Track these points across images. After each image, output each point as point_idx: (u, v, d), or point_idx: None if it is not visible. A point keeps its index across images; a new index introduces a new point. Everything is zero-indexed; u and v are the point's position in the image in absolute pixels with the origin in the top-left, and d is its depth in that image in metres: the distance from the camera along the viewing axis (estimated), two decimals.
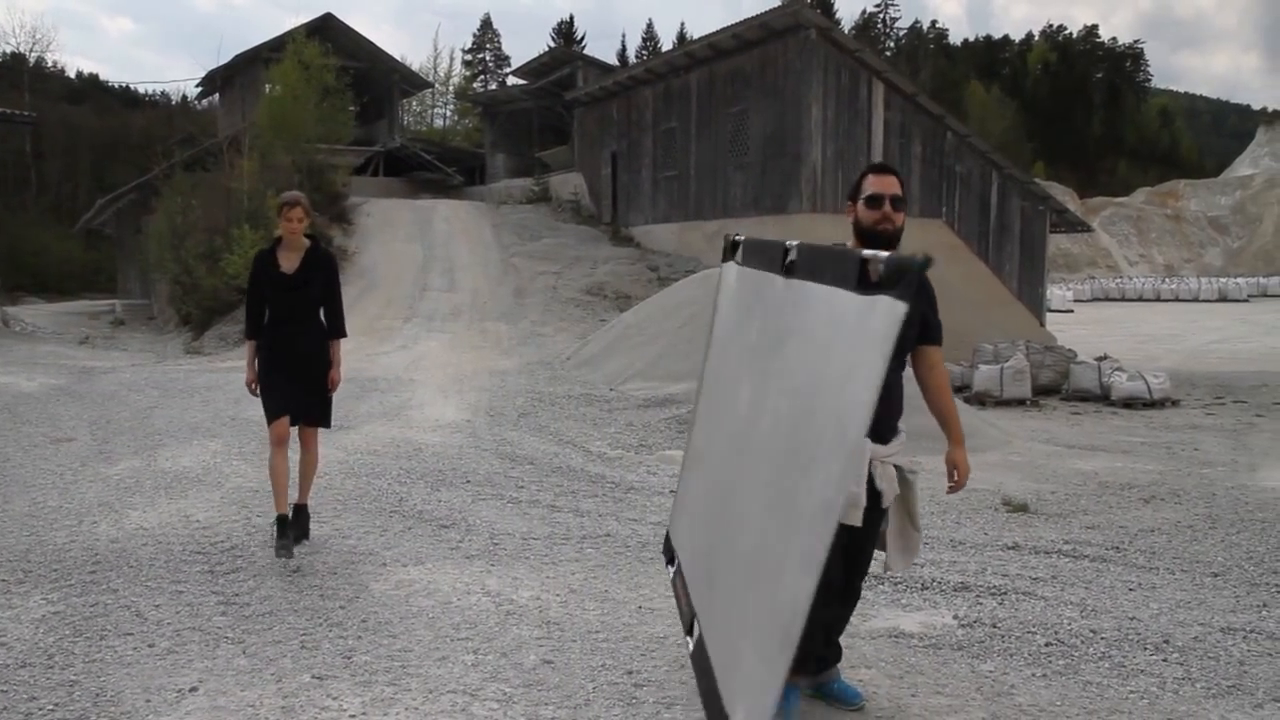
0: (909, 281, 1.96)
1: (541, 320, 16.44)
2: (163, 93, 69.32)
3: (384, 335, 15.29)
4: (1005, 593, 4.51)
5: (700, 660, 2.82)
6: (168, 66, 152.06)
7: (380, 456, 7.41)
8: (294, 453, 5.08)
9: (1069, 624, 4.10)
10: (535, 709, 3.21)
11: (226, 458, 7.31)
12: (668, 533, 3.90)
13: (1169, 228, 57.88)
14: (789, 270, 2.72)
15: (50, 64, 58.89)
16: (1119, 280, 48.29)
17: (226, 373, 11.85)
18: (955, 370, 12.68)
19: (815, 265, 2.53)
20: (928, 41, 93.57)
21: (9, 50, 53.62)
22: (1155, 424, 10.37)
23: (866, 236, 3.07)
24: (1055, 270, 43.14)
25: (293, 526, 4.92)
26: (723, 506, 2.93)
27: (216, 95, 36.78)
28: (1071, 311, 33.21)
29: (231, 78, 32.43)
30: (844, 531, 2.42)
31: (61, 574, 4.58)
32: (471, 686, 3.38)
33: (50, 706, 3.20)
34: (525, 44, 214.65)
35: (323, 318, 5.04)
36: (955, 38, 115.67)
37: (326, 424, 5.13)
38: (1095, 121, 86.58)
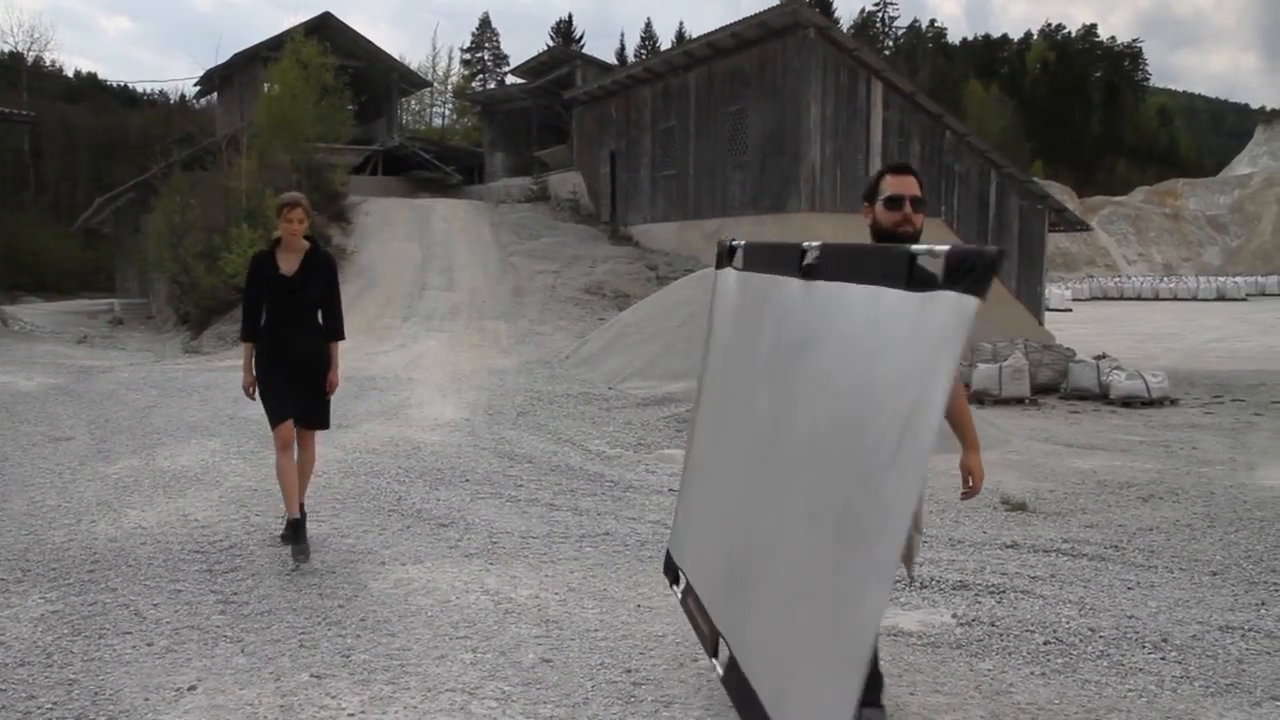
0: (980, 275, 1.86)
1: (540, 319, 16.44)
2: (161, 92, 69.20)
3: (383, 334, 15.29)
4: (1004, 591, 4.52)
5: (737, 685, 2.66)
6: (166, 66, 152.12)
7: (379, 455, 7.41)
8: None
9: (1067, 622, 4.11)
10: (534, 707, 3.21)
11: (225, 457, 7.30)
12: (668, 552, 3.73)
13: (1167, 227, 57.91)
14: (809, 273, 2.61)
15: (48, 63, 58.86)
16: (1117, 279, 48.33)
17: (225, 372, 11.85)
18: None
19: (847, 265, 2.42)
20: (926, 40, 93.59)
21: (7, 49, 53.57)
22: (1154, 423, 10.37)
23: (885, 239, 2.98)
24: (1054, 269, 43.17)
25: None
26: (748, 522, 2.79)
27: (215, 94, 36.77)
28: (1070, 310, 33.23)
29: (230, 77, 32.40)
30: None
31: (60, 573, 4.58)
32: (470, 685, 3.38)
33: (49, 705, 3.19)
34: (524, 43, 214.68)
35: (320, 319, 5.00)
36: (954, 37, 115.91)
37: (325, 425, 5.11)
38: (1094, 120, 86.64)
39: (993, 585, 4.60)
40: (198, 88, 39.59)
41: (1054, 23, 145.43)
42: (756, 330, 3.03)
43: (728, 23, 19.42)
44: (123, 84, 70.77)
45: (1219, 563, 5.08)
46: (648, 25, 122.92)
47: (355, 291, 16.74)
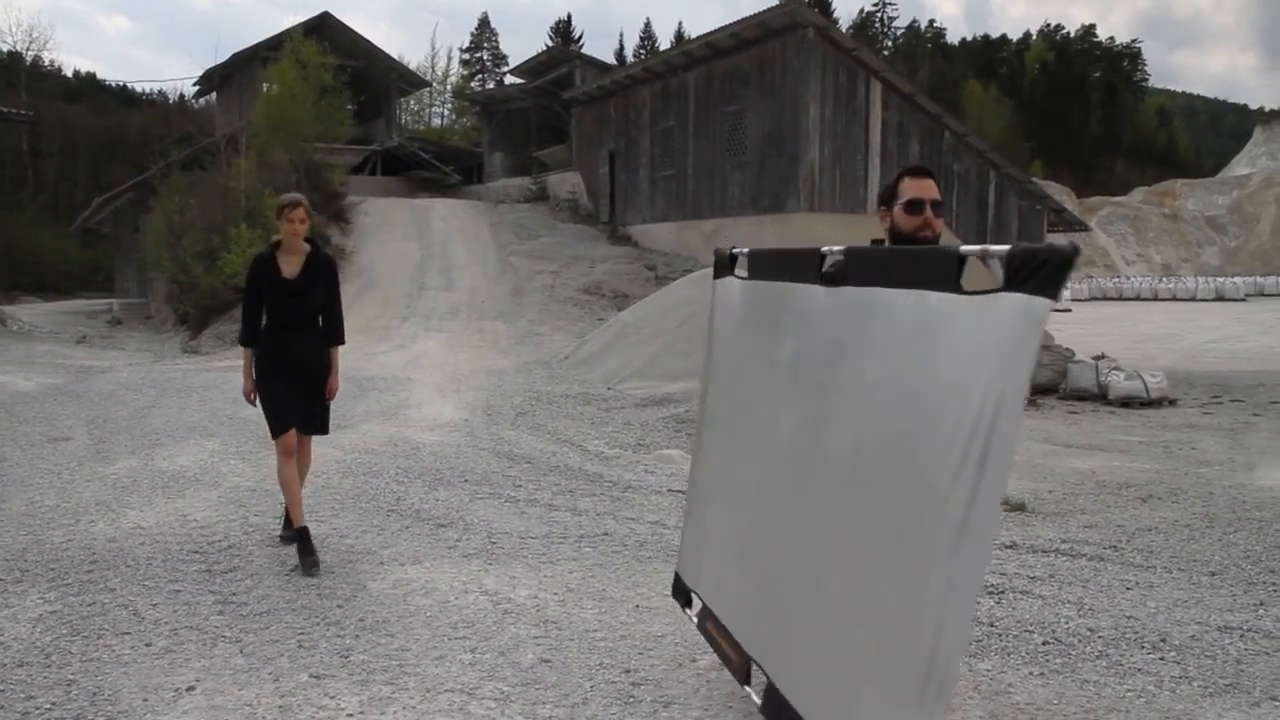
0: (1049, 275, 1.76)
1: (539, 319, 16.44)
2: (160, 91, 69.27)
3: (382, 334, 15.29)
4: (1003, 591, 4.52)
5: (779, 713, 2.54)
6: (165, 65, 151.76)
7: (378, 455, 7.41)
8: None
9: (1066, 623, 4.11)
10: (533, 707, 3.21)
11: (224, 457, 7.30)
12: (677, 574, 3.57)
13: (1166, 227, 57.94)
14: (832, 279, 2.51)
15: (47, 63, 58.93)
16: (1116, 279, 48.33)
17: (224, 372, 11.85)
18: None
19: (879, 270, 2.31)
20: (925, 41, 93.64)
21: (6, 49, 53.60)
22: (1153, 423, 10.37)
23: (905, 244, 2.88)
24: None
25: (288, 528, 4.90)
26: (782, 543, 2.64)
27: (214, 94, 36.78)
28: (1069, 310, 33.19)
29: (229, 76, 32.42)
30: None
31: (59, 573, 4.57)
32: (469, 685, 3.38)
33: (47, 705, 3.19)
34: (523, 43, 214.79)
35: (320, 323, 4.92)
36: (953, 37, 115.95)
37: (325, 431, 5.03)
38: (1093, 121, 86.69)
39: (991, 585, 4.60)
40: (196, 87, 39.64)
41: (1053, 23, 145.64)
42: (772, 342, 2.88)
43: (727, 23, 19.44)
44: (121, 84, 70.90)
45: (1218, 563, 5.08)
46: (647, 25, 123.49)
47: (354, 292, 16.74)
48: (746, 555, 2.91)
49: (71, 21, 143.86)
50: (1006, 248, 1.86)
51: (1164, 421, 10.55)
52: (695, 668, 3.54)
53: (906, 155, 18.72)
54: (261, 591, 4.34)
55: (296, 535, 4.73)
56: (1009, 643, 3.88)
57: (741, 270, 3.23)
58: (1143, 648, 3.84)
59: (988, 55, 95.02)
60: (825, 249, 2.59)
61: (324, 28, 29.56)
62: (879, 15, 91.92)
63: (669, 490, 6.47)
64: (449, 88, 56.38)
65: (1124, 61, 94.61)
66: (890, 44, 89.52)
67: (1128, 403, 11.88)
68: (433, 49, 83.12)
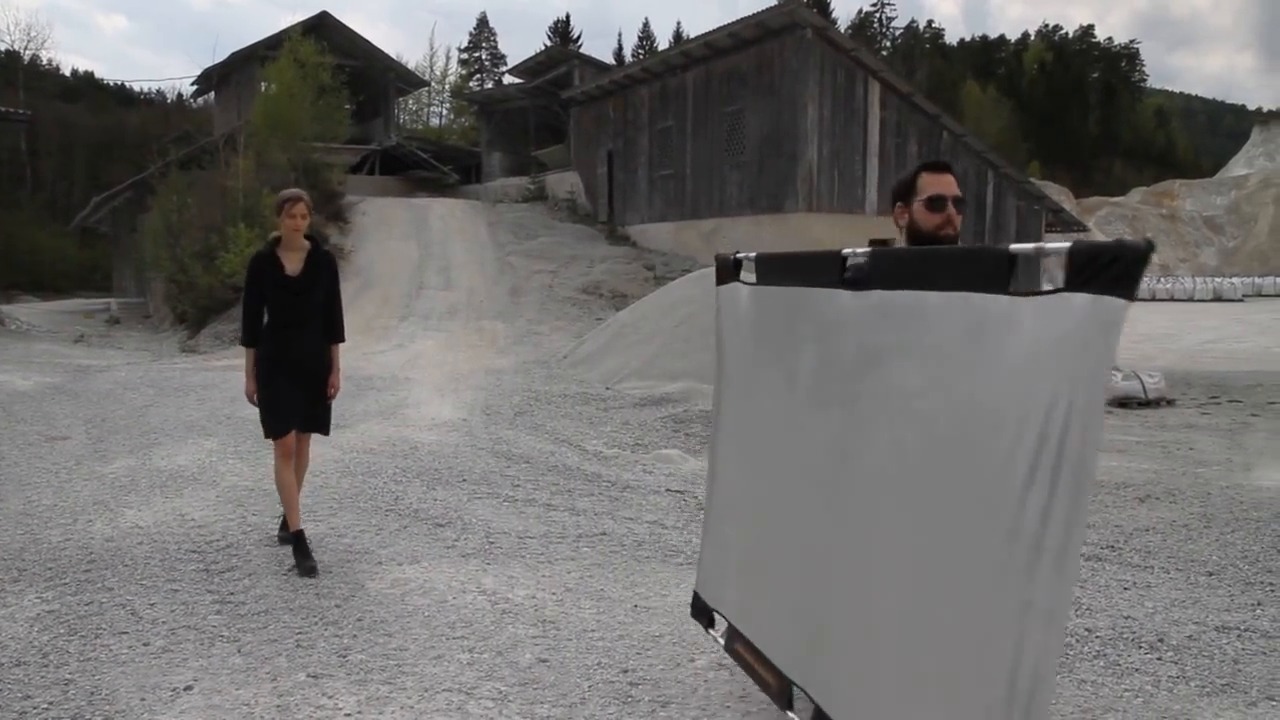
0: (1126, 272, 1.65)
1: (538, 319, 16.44)
2: (158, 91, 69.31)
3: (380, 334, 15.29)
4: None
5: None
6: (163, 65, 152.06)
7: (376, 455, 7.40)
8: None
9: None
10: (531, 707, 3.21)
11: (222, 456, 7.29)
12: (697, 594, 3.44)
13: (1164, 227, 58.01)
14: (856, 283, 2.39)
15: (45, 62, 58.92)
16: None
17: (222, 371, 11.84)
18: None
19: (912, 272, 2.19)
20: (924, 41, 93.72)
21: (4, 48, 53.57)
22: (1150, 423, 10.38)
23: (923, 242, 2.74)
24: None
25: (286, 528, 4.89)
26: (821, 561, 2.51)
27: (212, 93, 36.79)
28: None
29: (227, 76, 32.41)
30: None
31: (56, 572, 4.57)
32: (467, 685, 3.38)
33: (45, 705, 3.19)
34: (521, 43, 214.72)
35: (321, 320, 4.86)
36: (951, 37, 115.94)
37: (326, 431, 4.98)
38: (1091, 121, 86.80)
39: None
40: (195, 87, 39.61)
41: (1051, 23, 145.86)
42: (790, 350, 2.74)
43: (725, 23, 19.46)
44: (120, 83, 70.76)
45: (1215, 563, 5.08)
46: (645, 25, 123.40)
47: (352, 291, 16.73)
48: (780, 575, 2.78)
49: (70, 20, 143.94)
50: (1067, 244, 1.76)
51: (1162, 421, 10.56)
52: (693, 667, 3.54)
53: (905, 155, 18.73)
54: (259, 591, 4.33)
55: (293, 539, 4.72)
56: None
57: (748, 275, 3.07)
58: (1140, 647, 3.84)
59: (986, 55, 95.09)
60: (847, 250, 2.47)
61: (322, 27, 29.56)
62: (877, 15, 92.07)
63: (667, 490, 6.48)
64: (447, 87, 56.40)
65: (1122, 62, 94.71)
66: (889, 44, 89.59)
67: (1125, 403, 11.89)
68: (431, 48, 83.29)
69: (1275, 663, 3.70)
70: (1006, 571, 1.82)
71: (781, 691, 2.74)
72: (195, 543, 5.07)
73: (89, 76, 70.54)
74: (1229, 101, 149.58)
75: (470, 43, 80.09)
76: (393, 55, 36.56)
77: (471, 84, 65.09)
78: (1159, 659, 3.74)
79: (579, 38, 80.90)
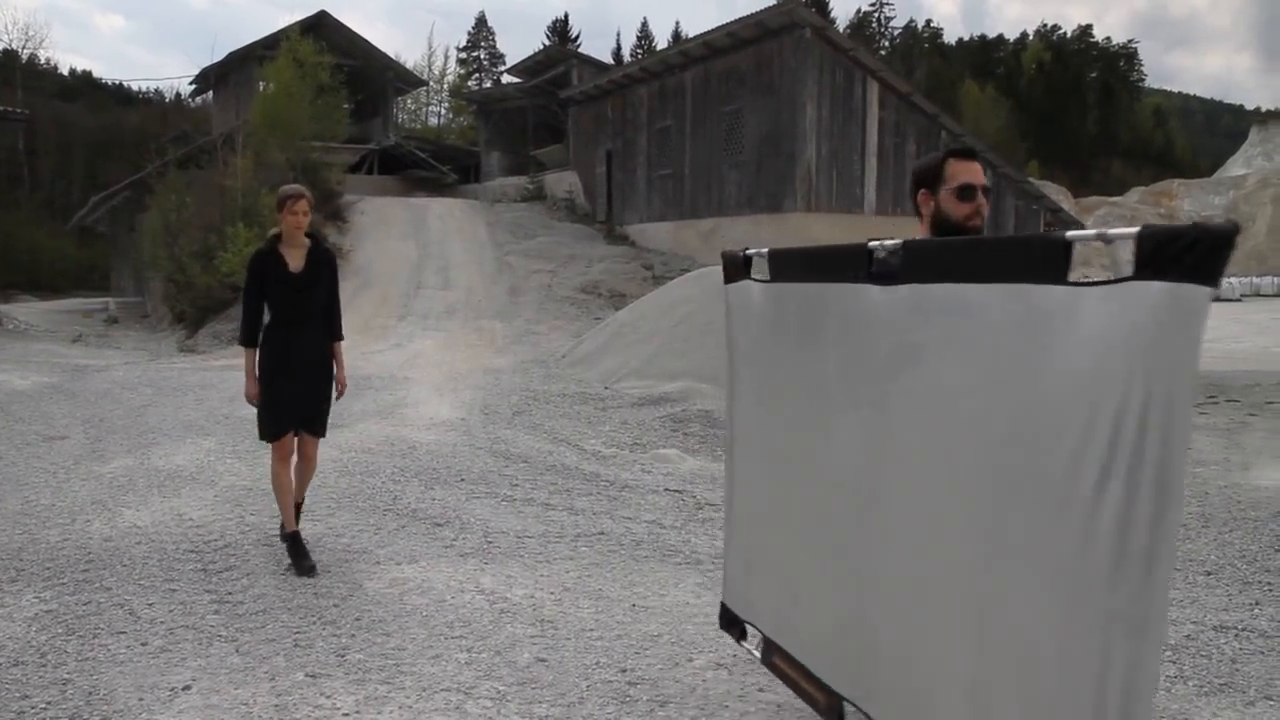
0: (1208, 257, 1.52)
1: (536, 318, 16.44)
2: (156, 90, 69.28)
3: (379, 333, 15.28)
4: None
5: None
6: (161, 64, 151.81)
7: (374, 455, 7.40)
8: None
9: None
10: (529, 707, 3.21)
11: (220, 456, 7.29)
12: (725, 604, 3.30)
13: None
14: (885, 277, 2.27)
15: (43, 61, 58.86)
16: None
17: (220, 371, 11.83)
18: None
19: (953, 263, 2.07)
20: (922, 41, 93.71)
21: (1, 47, 53.50)
22: None
23: (952, 232, 2.63)
24: None
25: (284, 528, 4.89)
26: (867, 571, 2.38)
27: (210, 93, 36.76)
28: None
29: (225, 75, 32.40)
30: None
31: (54, 572, 4.56)
32: (465, 685, 3.38)
33: (43, 705, 3.19)
34: (520, 42, 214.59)
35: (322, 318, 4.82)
36: (950, 37, 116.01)
37: (323, 433, 4.93)
38: (1089, 121, 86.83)
39: None
40: (193, 86, 39.57)
41: (1050, 23, 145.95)
42: (813, 349, 2.60)
43: (724, 22, 19.46)
44: (118, 82, 70.89)
45: (1213, 563, 5.09)
46: (644, 25, 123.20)
47: (351, 291, 16.73)
48: (819, 586, 2.64)
49: (68, 20, 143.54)
50: (1136, 229, 1.65)
51: None
52: (691, 667, 3.54)
53: (903, 155, 18.74)
54: (258, 590, 4.33)
55: (289, 540, 4.71)
56: None
57: (760, 273, 2.93)
58: None
59: (984, 55, 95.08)
60: (874, 242, 2.35)
61: (321, 26, 29.53)
62: (876, 15, 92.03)
63: (665, 489, 6.48)
64: (446, 87, 56.42)
65: (1120, 62, 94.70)
66: (887, 44, 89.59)
67: None
68: (430, 48, 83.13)
69: (1273, 662, 3.70)
70: (1082, 580, 1.72)
71: (831, 707, 2.61)
72: (193, 542, 5.07)
73: (87, 76, 70.49)
74: (1227, 101, 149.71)
75: (469, 42, 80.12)
76: (391, 54, 36.56)
77: (470, 83, 65.06)
78: None
79: (577, 37, 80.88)
